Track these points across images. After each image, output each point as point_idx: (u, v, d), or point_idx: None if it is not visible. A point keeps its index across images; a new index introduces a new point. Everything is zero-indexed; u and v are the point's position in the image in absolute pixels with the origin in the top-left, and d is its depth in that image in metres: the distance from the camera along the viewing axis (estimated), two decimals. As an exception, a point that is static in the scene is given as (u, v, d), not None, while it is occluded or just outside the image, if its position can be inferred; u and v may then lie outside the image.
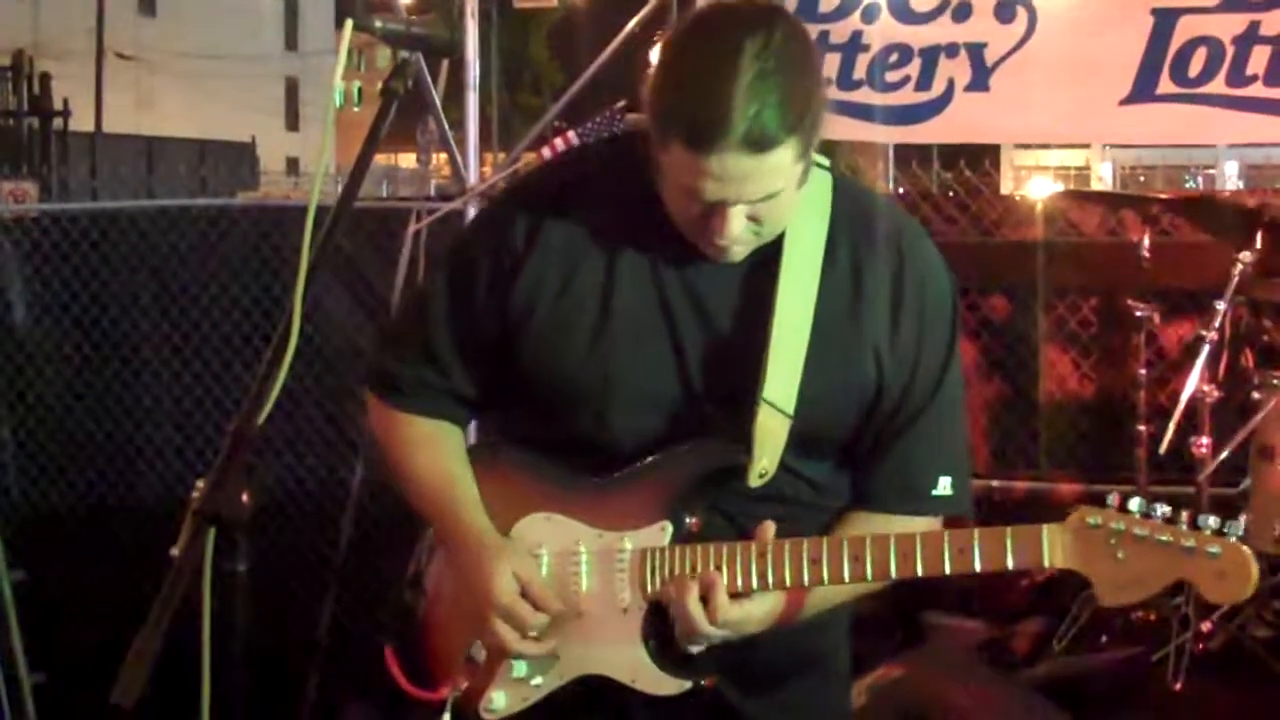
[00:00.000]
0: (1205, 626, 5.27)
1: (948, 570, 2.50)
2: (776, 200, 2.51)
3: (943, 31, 6.15)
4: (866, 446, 2.75)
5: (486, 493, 2.81)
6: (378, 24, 2.48)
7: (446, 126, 6.75)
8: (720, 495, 2.68)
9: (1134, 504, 2.42)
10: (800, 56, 2.48)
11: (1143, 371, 5.93)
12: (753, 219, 2.53)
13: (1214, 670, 5.23)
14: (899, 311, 2.68)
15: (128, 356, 8.23)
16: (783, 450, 2.65)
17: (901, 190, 8.63)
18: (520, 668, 2.73)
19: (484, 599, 2.70)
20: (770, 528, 2.60)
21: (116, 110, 36.59)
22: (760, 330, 2.63)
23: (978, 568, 2.49)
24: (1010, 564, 2.48)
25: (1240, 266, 5.44)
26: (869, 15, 6.24)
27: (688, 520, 2.66)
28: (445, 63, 6.33)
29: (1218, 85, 5.79)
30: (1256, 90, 5.76)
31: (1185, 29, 5.81)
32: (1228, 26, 5.77)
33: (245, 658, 2.25)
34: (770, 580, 2.57)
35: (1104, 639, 5.56)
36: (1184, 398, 5.46)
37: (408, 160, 41.28)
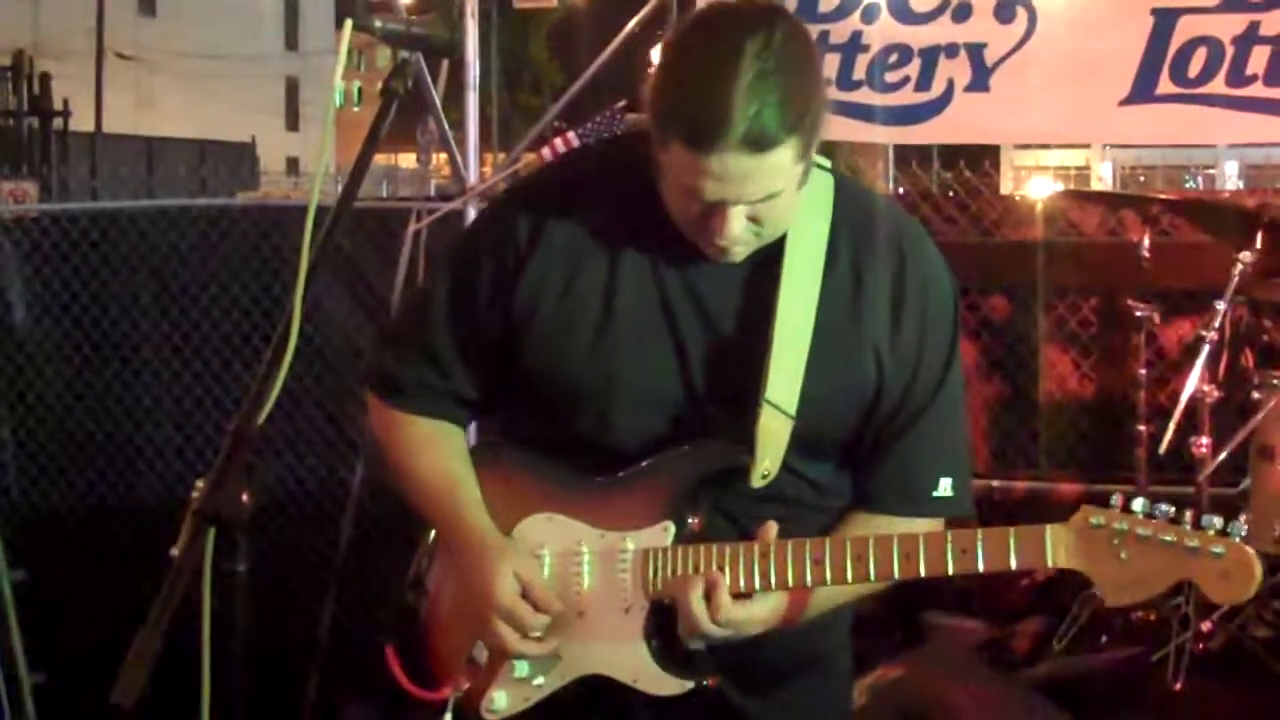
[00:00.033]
0: (1205, 626, 5.27)
1: (950, 571, 2.51)
2: (776, 201, 2.51)
3: (942, 32, 6.15)
4: (867, 447, 2.75)
5: (488, 493, 2.81)
6: (378, 24, 2.48)
7: (446, 126, 6.75)
8: (722, 496, 2.68)
9: (1137, 504, 2.42)
10: (801, 57, 2.47)
11: (1143, 371, 5.93)
12: (753, 219, 2.53)
13: (1214, 670, 5.23)
14: (900, 312, 2.68)
15: (128, 356, 8.23)
16: (785, 451, 2.65)
17: (901, 190, 8.64)
18: (522, 668, 2.73)
19: (485, 600, 2.70)
20: (773, 528, 2.60)
21: (116, 110, 36.60)
22: (762, 331, 2.63)
23: (981, 568, 2.49)
24: (1013, 564, 2.48)
25: (1240, 266, 5.44)
26: (869, 15, 6.24)
27: (690, 520, 2.66)
28: (445, 63, 6.33)
29: (1218, 85, 5.79)
30: (1256, 90, 5.76)
31: (1185, 29, 5.81)
32: (1227, 26, 5.77)
33: (245, 658, 2.25)
34: (773, 581, 2.57)
35: (1104, 639, 5.56)
36: (1184, 398, 5.46)
37: (408, 160, 41.30)
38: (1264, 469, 5.40)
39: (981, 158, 8.46)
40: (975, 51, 6.11)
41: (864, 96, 6.23)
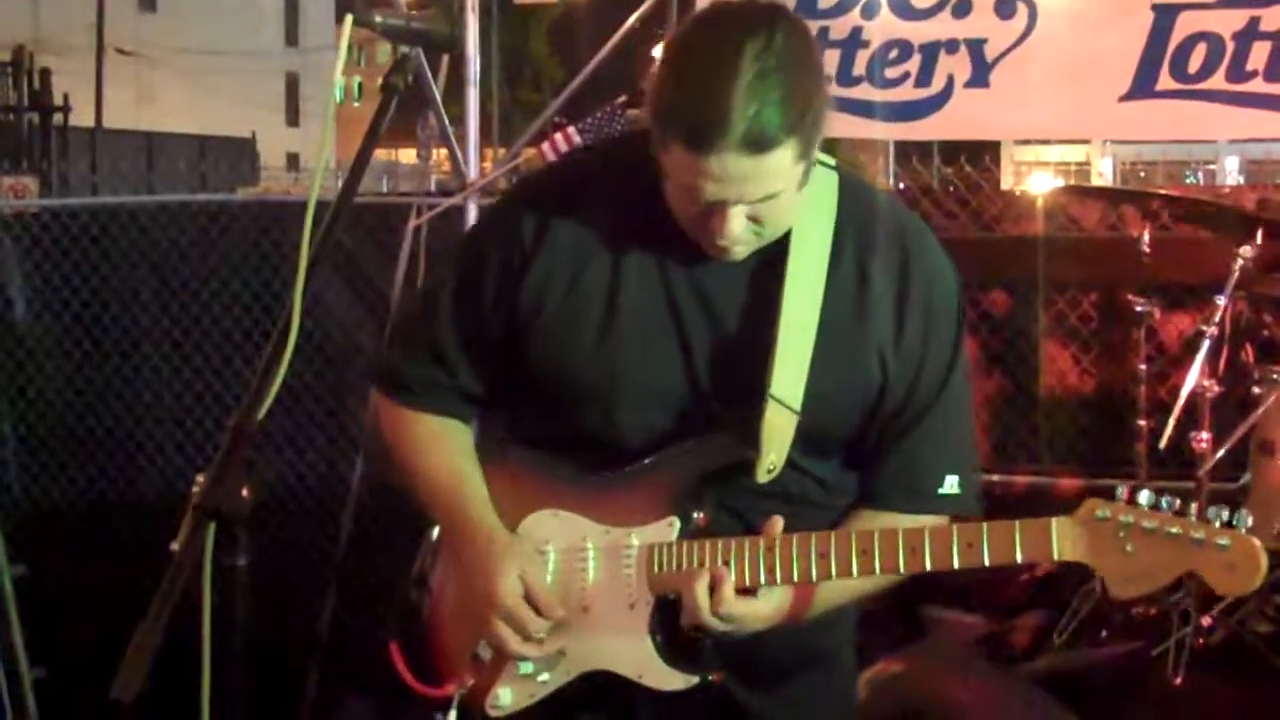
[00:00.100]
0: (1205, 621, 5.26)
1: (956, 565, 2.50)
2: (777, 201, 2.51)
3: (943, 27, 6.14)
4: (872, 445, 2.75)
5: (494, 490, 2.82)
6: (378, 19, 2.48)
7: (447, 122, 6.75)
8: (727, 491, 2.69)
9: (1143, 496, 2.42)
10: (801, 57, 2.47)
11: (1143, 366, 5.93)
12: (753, 219, 2.54)
13: (1214, 665, 5.23)
14: (904, 310, 2.69)
15: (128, 352, 8.23)
16: (790, 447, 2.66)
17: (902, 186, 8.65)
18: (526, 664, 2.74)
19: (487, 599, 2.70)
20: (778, 522, 2.60)
21: (117, 106, 36.60)
22: (767, 328, 2.63)
23: (986, 562, 2.48)
24: (1019, 558, 2.48)
25: (1240, 261, 5.44)
26: (869, 11, 6.23)
27: (695, 516, 2.66)
28: (445, 58, 6.33)
29: (1218, 81, 5.78)
30: (1256, 86, 5.75)
31: (1185, 25, 5.80)
32: (1228, 22, 5.77)
33: (245, 653, 2.25)
34: (778, 575, 2.58)
35: (1104, 633, 5.55)
36: (1184, 393, 5.46)
37: (408, 156, 41.23)
38: (1264, 464, 5.40)
39: (982, 153, 8.48)
40: (975, 47, 6.10)
41: (864, 92, 6.23)
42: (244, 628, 2.23)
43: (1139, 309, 5.81)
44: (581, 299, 2.70)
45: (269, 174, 35.17)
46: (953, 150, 8.48)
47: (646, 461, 2.69)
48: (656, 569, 2.65)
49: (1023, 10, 6.04)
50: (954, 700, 5.20)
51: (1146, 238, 5.77)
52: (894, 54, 6.20)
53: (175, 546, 2.18)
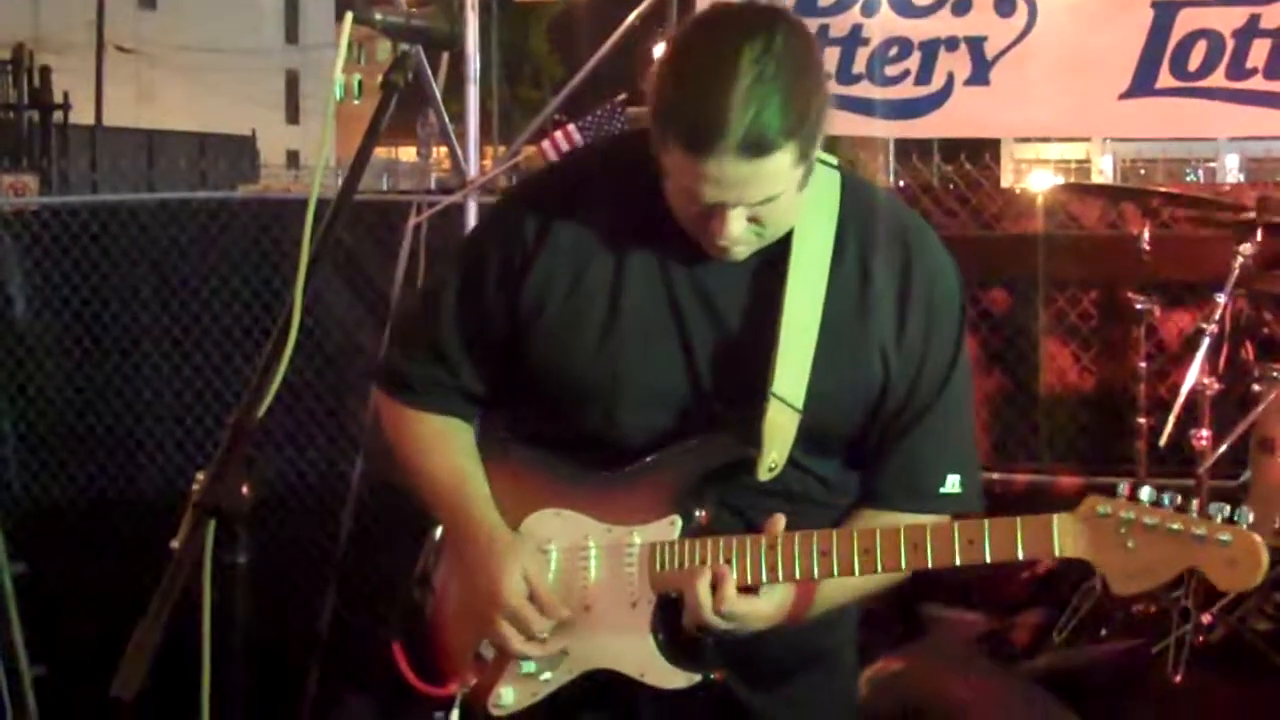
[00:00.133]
0: (1205, 619, 5.26)
1: (958, 561, 2.50)
2: (776, 203, 2.51)
3: (942, 25, 6.14)
4: (874, 444, 2.75)
5: (496, 489, 2.83)
6: (378, 17, 2.48)
7: (447, 120, 6.74)
8: (729, 490, 2.69)
9: (1144, 493, 2.42)
10: (801, 59, 2.47)
11: (1143, 364, 5.92)
12: (754, 220, 2.54)
13: (1214, 663, 5.23)
14: (906, 309, 2.69)
15: (128, 350, 8.23)
16: (791, 445, 2.66)
17: (902, 183, 8.64)
18: (529, 664, 2.75)
19: (491, 599, 2.71)
20: (780, 520, 2.60)
21: (117, 103, 36.60)
22: (769, 327, 2.64)
23: (988, 559, 2.48)
24: (1020, 554, 2.48)
25: (1240, 259, 5.44)
26: (869, 9, 6.22)
27: (697, 514, 2.67)
28: (445, 56, 6.33)
29: (1218, 79, 5.78)
30: (1257, 84, 5.75)
31: (1185, 22, 5.80)
32: (1228, 20, 5.76)
33: (245, 650, 2.25)
34: (780, 573, 2.58)
35: (1104, 631, 5.55)
36: (1184, 390, 5.46)
37: (408, 153, 41.21)
38: (1264, 461, 5.40)
39: (982, 151, 8.48)
40: (975, 45, 6.10)
41: (864, 90, 6.22)
42: (244, 625, 2.23)
43: (1139, 306, 5.80)
44: (583, 299, 2.70)
45: (269, 172, 35.18)
46: (953, 148, 8.47)
47: (648, 460, 2.69)
48: (658, 567, 2.65)
49: (1022, 8, 6.04)
50: (954, 698, 5.20)
51: (1146, 235, 5.77)
52: (894, 51, 6.20)
53: (175, 544, 2.18)
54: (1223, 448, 5.48)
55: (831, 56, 6.14)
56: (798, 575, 2.58)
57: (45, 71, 28.35)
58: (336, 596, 6.70)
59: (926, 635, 5.77)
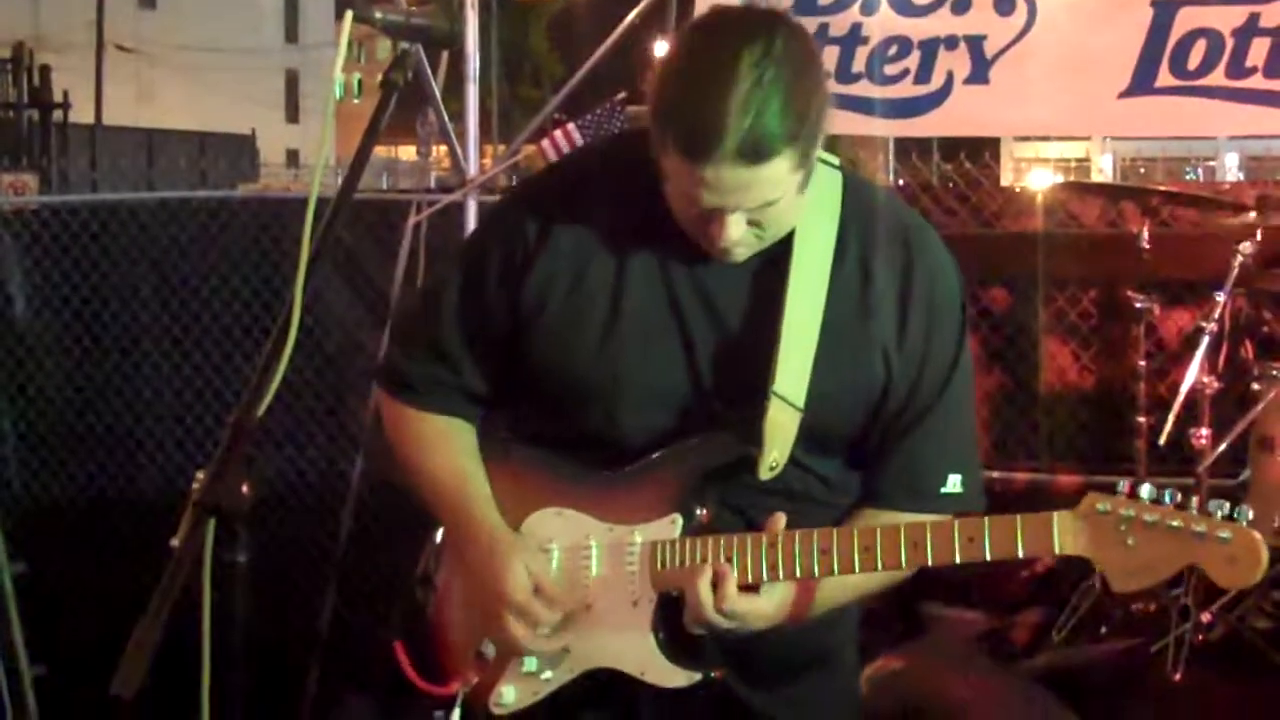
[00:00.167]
0: (1205, 617, 5.26)
1: (958, 559, 2.50)
2: (775, 207, 2.52)
3: (942, 24, 6.13)
4: (875, 443, 2.75)
5: (497, 488, 2.83)
6: (378, 16, 2.48)
7: (446, 118, 6.74)
8: (730, 489, 2.69)
9: (1144, 490, 2.43)
10: (800, 63, 2.46)
11: (1142, 363, 5.92)
12: (753, 224, 2.54)
13: (1213, 661, 5.23)
14: (907, 309, 2.69)
15: (128, 349, 8.23)
16: (792, 444, 2.66)
17: (902, 182, 8.64)
18: (530, 662, 2.75)
19: (497, 596, 2.71)
20: (781, 519, 2.61)
21: (116, 103, 36.58)
22: (770, 327, 2.64)
23: (988, 556, 2.48)
24: (1020, 552, 2.48)
25: (1240, 258, 5.44)
26: (868, 7, 6.22)
27: (698, 512, 2.67)
28: (445, 55, 6.33)
29: (1217, 77, 5.77)
30: (1256, 82, 5.74)
31: (1185, 21, 5.79)
32: (1227, 18, 5.76)
33: (245, 650, 2.26)
34: (780, 571, 2.58)
35: (1103, 630, 5.55)
36: (1184, 389, 5.46)
37: (408, 152, 41.18)
38: (1264, 460, 5.41)
39: (982, 150, 8.47)
40: (975, 44, 6.10)
41: (863, 89, 6.22)
42: (244, 624, 2.23)
43: (1138, 305, 5.80)
44: (584, 299, 2.70)
45: (269, 171, 35.15)
46: (952, 147, 8.46)
47: (649, 459, 2.69)
48: (659, 566, 2.65)
49: (1022, 7, 6.03)
50: (954, 697, 5.20)
51: (1146, 234, 5.77)
52: (893, 50, 6.19)
53: (175, 543, 2.18)
54: (1222, 446, 5.48)
55: (831, 55, 6.14)
56: (798, 573, 2.58)
57: (45, 70, 28.34)
58: (336, 595, 6.70)
59: (926, 634, 5.77)
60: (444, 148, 7.29)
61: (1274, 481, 5.34)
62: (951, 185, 7.91)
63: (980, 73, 6.10)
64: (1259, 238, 5.46)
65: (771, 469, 2.66)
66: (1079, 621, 5.56)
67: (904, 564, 2.54)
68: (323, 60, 50.77)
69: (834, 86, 6.00)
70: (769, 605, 2.60)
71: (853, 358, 2.67)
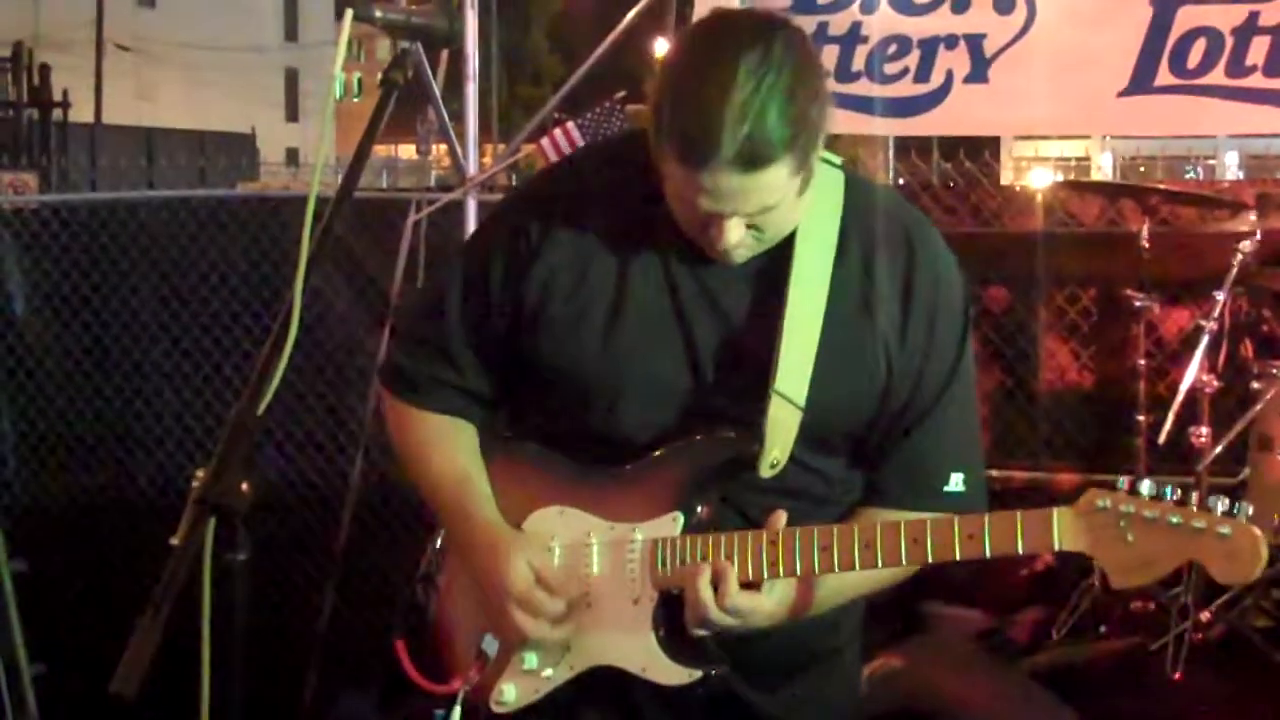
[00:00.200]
0: (1204, 616, 5.27)
1: (958, 555, 2.50)
2: (774, 211, 2.52)
3: (941, 22, 6.13)
4: (877, 442, 2.75)
5: (500, 487, 2.83)
6: (378, 14, 2.48)
7: (446, 117, 6.74)
8: (731, 486, 2.69)
9: (1144, 486, 2.42)
10: (799, 69, 2.45)
11: (1142, 362, 5.93)
12: (752, 227, 2.55)
13: (1212, 660, 5.24)
14: (910, 308, 2.69)
15: (128, 347, 8.24)
16: (794, 442, 2.66)
17: (901, 181, 8.63)
18: (531, 660, 2.74)
19: (500, 589, 2.71)
20: (781, 516, 2.60)
21: (116, 101, 36.56)
22: (772, 325, 2.64)
23: (988, 553, 2.48)
24: (1020, 548, 2.47)
25: (1239, 256, 5.44)
26: (868, 6, 6.22)
27: (699, 510, 2.67)
28: (445, 53, 6.33)
29: (1217, 76, 5.77)
30: (1256, 81, 5.74)
31: (1184, 20, 5.79)
32: (1227, 17, 5.76)
33: (245, 648, 2.26)
34: (781, 568, 2.57)
35: (1103, 628, 5.56)
36: (1183, 388, 5.46)
37: (407, 151, 41.21)
38: (1263, 459, 5.41)
39: (981, 148, 8.47)
40: (974, 42, 6.09)
41: (863, 88, 6.21)
42: (243, 623, 2.23)
43: (1138, 304, 5.81)
44: (587, 299, 2.71)
45: (268, 169, 35.16)
46: (952, 145, 8.47)
47: (651, 457, 2.69)
48: (660, 564, 2.65)
49: (1021, 6, 6.03)
50: (953, 695, 5.20)
51: (1146, 232, 5.77)
52: (893, 49, 6.19)
53: (175, 541, 2.18)
54: (1222, 445, 5.48)
55: (830, 54, 6.14)
56: (799, 570, 2.57)
57: (45, 69, 28.31)
58: (336, 594, 6.71)
59: (926, 632, 5.77)
60: (444, 146, 7.29)
61: (1273, 480, 5.34)
62: (951, 184, 7.91)
63: (980, 72, 6.10)
64: (1259, 236, 5.46)
65: (773, 467, 2.65)
66: (1078, 620, 5.56)
67: (904, 560, 2.54)
68: (323, 59, 50.79)
69: (833, 85, 5.99)
70: (770, 602, 2.60)
71: (854, 356, 2.67)
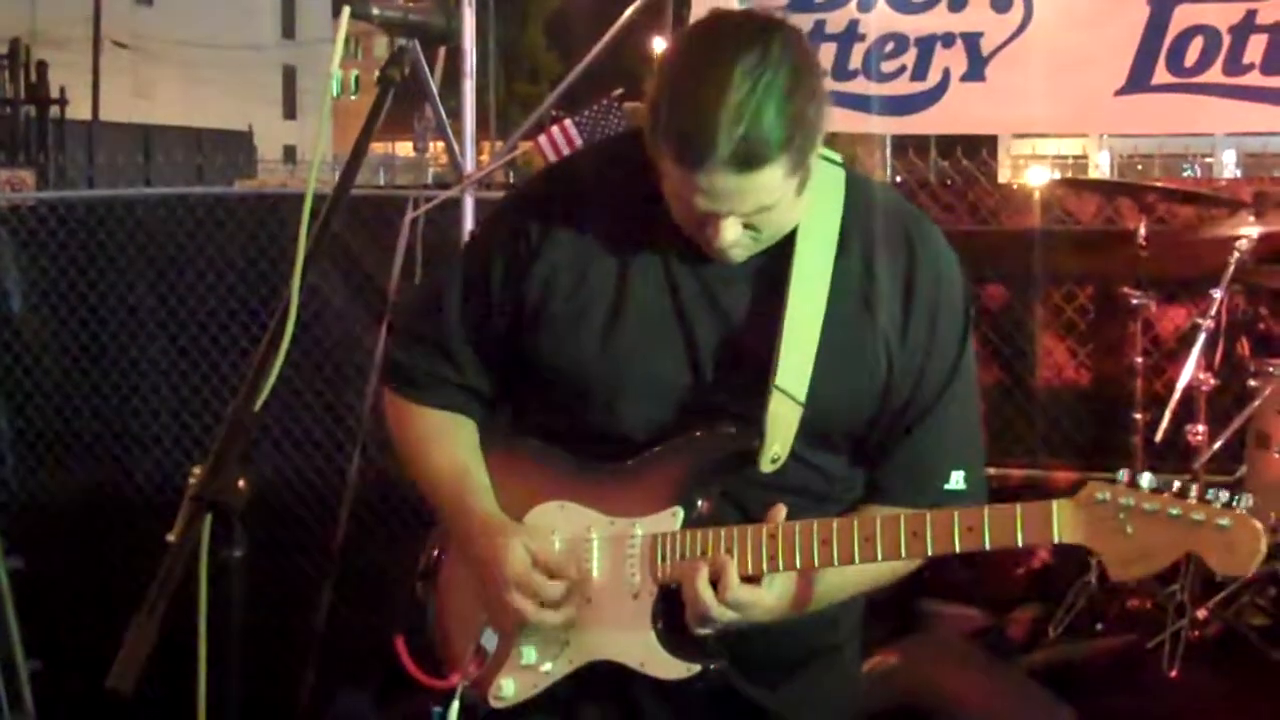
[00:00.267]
0: (1201, 614, 5.27)
1: (958, 548, 2.50)
2: (771, 211, 2.52)
3: (939, 21, 6.13)
4: (878, 439, 2.75)
5: (500, 482, 2.83)
6: (375, 11, 2.48)
7: (444, 114, 6.74)
8: (731, 482, 2.69)
9: (1144, 479, 2.42)
10: (796, 70, 2.46)
11: (1139, 359, 5.93)
12: (749, 226, 2.55)
13: (1209, 657, 5.24)
14: (911, 306, 2.70)
15: (125, 345, 8.24)
16: (794, 438, 2.66)
17: (899, 179, 8.64)
18: (530, 654, 2.75)
19: (498, 576, 2.71)
20: (781, 510, 2.61)
21: (113, 98, 36.53)
22: (773, 322, 2.64)
23: (988, 545, 2.48)
24: (1020, 541, 2.48)
25: (1237, 254, 5.45)
26: (865, 4, 6.22)
27: (699, 505, 2.67)
28: (442, 51, 6.33)
29: (1214, 74, 5.77)
30: (1253, 79, 5.75)
31: (1181, 18, 5.79)
32: (1224, 15, 5.76)
33: (241, 645, 2.26)
34: (781, 562, 2.58)
35: (1099, 626, 5.56)
36: (1180, 386, 5.47)
37: (405, 148, 41.24)
38: (1260, 457, 5.41)
39: (979, 146, 8.45)
40: (971, 41, 6.10)
41: (860, 86, 6.22)
42: (240, 620, 2.23)
43: (1135, 302, 5.81)
44: (587, 297, 2.71)
45: (266, 167, 35.19)
46: (949, 144, 8.47)
47: (651, 452, 2.70)
48: (660, 559, 2.66)
49: (1018, 4, 6.03)
50: (951, 692, 5.21)
51: (1143, 230, 5.78)
52: (890, 47, 6.19)
53: (172, 538, 2.18)
54: (1219, 443, 5.49)
55: (827, 52, 6.14)
56: (798, 564, 2.57)
57: (42, 66, 28.29)
58: (333, 591, 6.70)
59: (923, 630, 5.78)
60: (441, 144, 7.30)
61: (1270, 478, 5.35)
62: (948, 182, 7.92)
63: (977, 70, 6.11)
64: (1256, 234, 5.46)
65: (773, 462, 2.66)
66: (1075, 618, 5.57)
67: (904, 554, 2.54)
68: (320, 56, 50.70)
69: (830, 84, 5.97)
70: (770, 596, 2.60)
71: (855, 353, 2.67)
